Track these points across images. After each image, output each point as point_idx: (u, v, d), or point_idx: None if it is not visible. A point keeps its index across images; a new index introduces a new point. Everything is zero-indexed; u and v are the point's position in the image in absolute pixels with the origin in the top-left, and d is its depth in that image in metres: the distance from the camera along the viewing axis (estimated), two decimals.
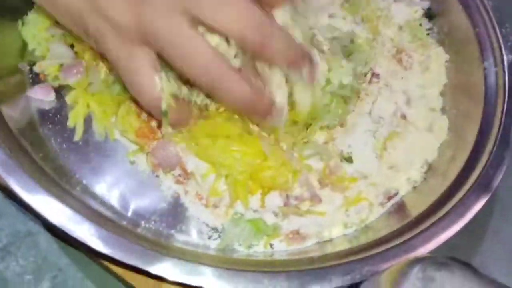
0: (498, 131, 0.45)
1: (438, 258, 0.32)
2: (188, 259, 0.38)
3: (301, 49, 0.39)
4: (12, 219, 0.43)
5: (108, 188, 0.45)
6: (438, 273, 0.31)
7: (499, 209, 0.49)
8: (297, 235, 0.45)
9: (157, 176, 0.46)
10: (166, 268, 0.36)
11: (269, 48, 0.35)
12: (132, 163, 0.46)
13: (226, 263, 0.39)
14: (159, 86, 0.37)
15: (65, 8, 0.38)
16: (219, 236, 0.44)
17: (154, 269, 0.36)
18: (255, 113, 0.40)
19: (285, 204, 0.45)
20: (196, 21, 0.34)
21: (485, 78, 0.49)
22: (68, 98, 0.47)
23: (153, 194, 0.45)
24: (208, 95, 0.43)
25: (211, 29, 0.35)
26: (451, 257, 0.32)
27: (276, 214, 0.45)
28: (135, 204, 0.44)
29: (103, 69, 0.47)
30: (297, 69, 0.39)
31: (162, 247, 0.40)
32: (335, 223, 0.46)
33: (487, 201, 0.46)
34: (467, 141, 0.47)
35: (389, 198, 0.47)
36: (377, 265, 0.37)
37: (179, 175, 0.45)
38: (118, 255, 0.36)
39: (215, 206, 0.45)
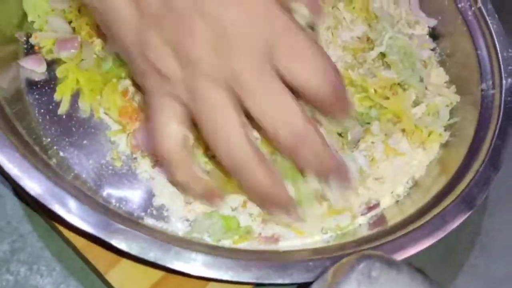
0: (488, 152, 0.45)
1: (387, 257, 0.31)
2: (153, 236, 0.37)
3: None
4: None
5: (84, 163, 0.45)
6: (385, 271, 0.30)
7: (480, 244, 0.48)
8: (270, 238, 0.45)
9: (135, 158, 0.46)
10: (126, 242, 0.36)
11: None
12: (113, 143, 0.46)
13: (190, 245, 0.38)
14: (176, 138, 0.36)
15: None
16: (190, 225, 0.44)
17: (114, 241, 0.36)
18: (269, 205, 0.38)
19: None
20: (236, 96, 0.33)
21: (482, 99, 0.49)
22: (58, 71, 0.47)
23: (128, 175, 0.45)
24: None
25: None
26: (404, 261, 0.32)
27: (253, 218, 0.45)
28: (109, 183, 0.44)
29: (96, 47, 0.48)
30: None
31: (131, 223, 0.39)
32: (313, 233, 0.45)
33: (469, 234, 0.47)
34: (456, 160, 0.46)
35: (370, 208, 0.46)
36: None
37: (156, 160, 0.46)
38: (78, 222, 0.36)
39: (188, 203, 0.45)
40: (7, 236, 0.41)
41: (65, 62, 0.48)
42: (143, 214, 0.43)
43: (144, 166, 0.46)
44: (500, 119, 0.47)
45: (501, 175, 0.45)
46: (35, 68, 0.48)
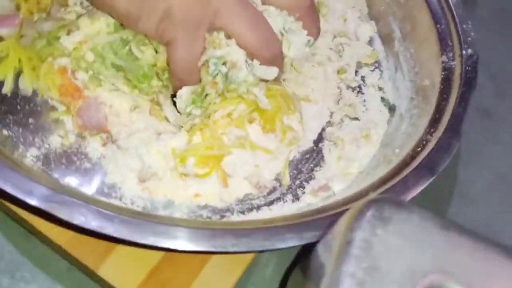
0: (449, 120, 0.46)
1: (394, 198, 0.32)
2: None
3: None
4: None
5: (30, 142, 0.44)
6: (395, 213, 0.30)
7: (459, 193, 0.51)
8: None
9: (84, 137, 0.46)
10: (85, 215, 0.35)
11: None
12: (60, 122, 0.46)
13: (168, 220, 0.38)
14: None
15: None
16: (144, 205, 0.44)
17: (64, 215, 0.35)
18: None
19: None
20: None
21: (443, 71, 0.51)
22: None
23: (78, 154, 0.45)
24: None
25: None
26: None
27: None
28: (58, 160, 0.44)
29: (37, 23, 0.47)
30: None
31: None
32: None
33: (448, 186, 0.51)
34: (419, 130, 0.48)
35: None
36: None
37: (107, 138, 0.45)
38: (23, 196, 0.35)
39: (142, 181, 0.45)
40: None
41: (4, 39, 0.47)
42: (93, 192, 0.43)
43: (94, 144, 0.45)
44: (461, 88, 0.48)
45: (469, 127, 0.48)
46: None
